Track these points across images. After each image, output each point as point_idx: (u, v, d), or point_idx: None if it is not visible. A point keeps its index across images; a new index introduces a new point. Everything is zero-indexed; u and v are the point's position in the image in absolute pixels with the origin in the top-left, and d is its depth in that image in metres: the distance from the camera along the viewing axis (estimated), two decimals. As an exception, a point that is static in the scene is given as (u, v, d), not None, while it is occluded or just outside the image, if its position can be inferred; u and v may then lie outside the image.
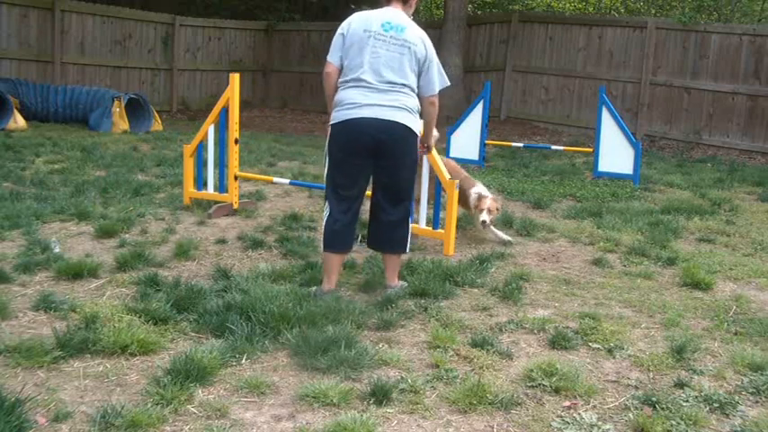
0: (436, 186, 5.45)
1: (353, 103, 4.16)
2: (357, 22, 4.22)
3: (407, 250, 4.50)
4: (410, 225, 4.49)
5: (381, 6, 4.34)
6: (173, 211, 6.33)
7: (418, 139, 4.38)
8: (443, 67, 4.47)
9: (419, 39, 4.23)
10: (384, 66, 4.15)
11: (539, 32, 14.20)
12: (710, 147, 12.16)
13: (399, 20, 4.24)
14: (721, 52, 12.07)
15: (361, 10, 4.37)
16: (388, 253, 4.46)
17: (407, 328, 3.90)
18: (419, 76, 4.26)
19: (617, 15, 16.35)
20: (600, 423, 2.94)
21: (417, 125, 4.31)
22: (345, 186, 4.25)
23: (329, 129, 4.28)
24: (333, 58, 4.23)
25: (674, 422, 2.93)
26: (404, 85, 4.19)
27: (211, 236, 5.61)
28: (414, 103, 4.25)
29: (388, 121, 4.13)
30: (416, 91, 4.29)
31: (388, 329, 3.83)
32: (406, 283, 4.49)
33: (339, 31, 4.25)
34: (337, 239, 4.27)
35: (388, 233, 4.38)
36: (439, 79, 4.31)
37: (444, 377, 3.27)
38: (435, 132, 4.77)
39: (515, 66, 14.42)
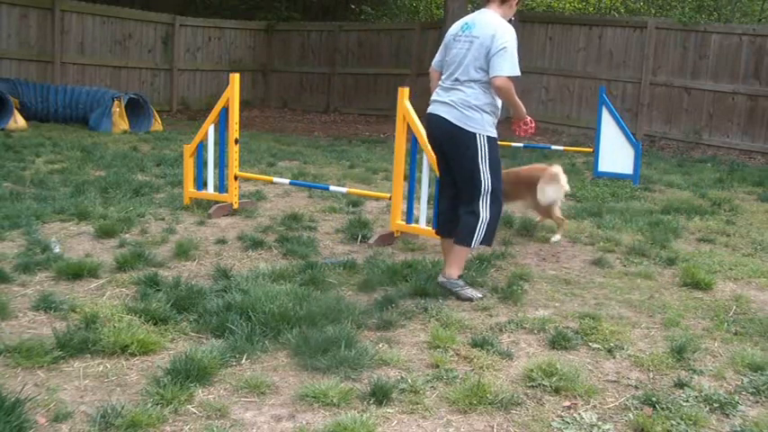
0: (436, 186, 5.44)
1: (430, 102, 4.53)
2: (451, 28, 4.53)
3: (471, 245, 4.42)
4: (479, 222, 4.39)
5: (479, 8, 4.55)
6: (173, 211, 6.33)
7: (478, 137, 4.34)
8: None
9: (487, 32, 4.27)
10: (454, 64, 4.38)
11: (539, 32, 14.19)
12: (710, 147, 12.16)
13: (478, 18, 4.38)
14: (721, 52, 12.07)
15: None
16: (451, 238, 4.54)
17: (407, 328, 3.90)
18: (490, 65, 4.28)
19: (617, 15, 16.33)
20: (600, 423, 2.94)
21: (471, 121, 4.32)
22: (441, 174, 4.74)
23: None
24: (434, 62, 4.63)
25: (674, 422, 2.93)
26: (463, 81, 4.33)
27: (211, 236, 5.61)
28: (465, 99, 4.32)
29: (437, 116, 4.42)
30: (485, 84, 4.34)
31: (388, 329, 3.83)
32: (461, 283, 4.43)
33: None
34: (439, 222, 4.80)
35: (457, 221, 4.50)
36: (507, 66, 4.27)
37: (444, 377, 3.27)
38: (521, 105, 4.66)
39: (515, 66, 14.40)
